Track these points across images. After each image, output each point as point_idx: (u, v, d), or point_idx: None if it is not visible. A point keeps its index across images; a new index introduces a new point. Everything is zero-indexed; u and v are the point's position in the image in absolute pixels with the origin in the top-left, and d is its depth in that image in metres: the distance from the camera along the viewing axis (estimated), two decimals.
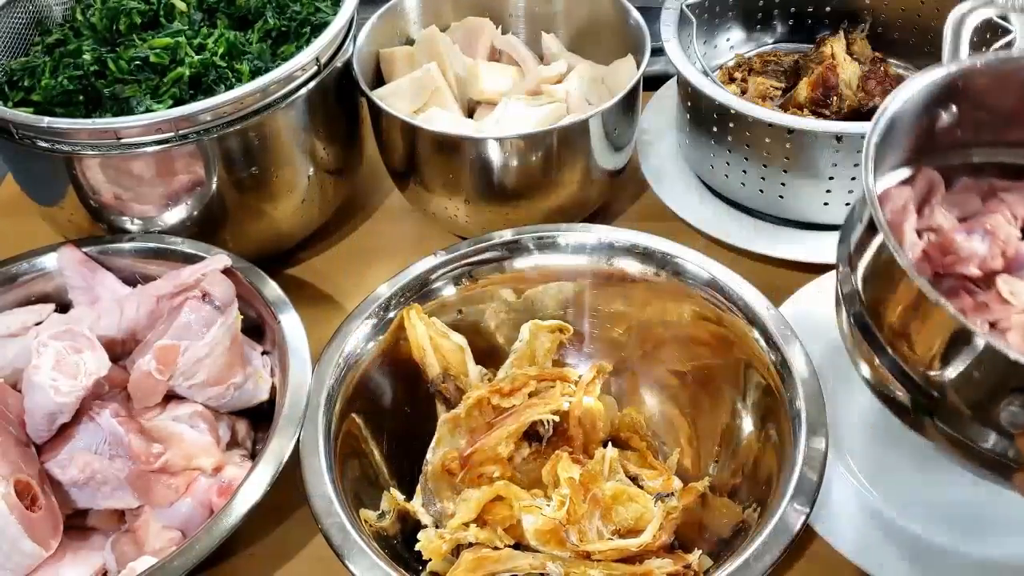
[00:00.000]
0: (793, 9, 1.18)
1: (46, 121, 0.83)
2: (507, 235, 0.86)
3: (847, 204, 0.95)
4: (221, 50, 0.92)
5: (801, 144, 0.92)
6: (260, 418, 0.84)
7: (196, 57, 0.91)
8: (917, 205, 0.71)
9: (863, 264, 0.66)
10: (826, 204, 0.96)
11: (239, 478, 0.75)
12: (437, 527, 0.74)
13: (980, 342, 0.56)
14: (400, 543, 0.74)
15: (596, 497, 0.71)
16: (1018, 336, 0.65)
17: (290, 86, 0.89)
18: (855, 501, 0.78)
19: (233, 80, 0.91)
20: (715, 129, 0.98)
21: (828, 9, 1.17)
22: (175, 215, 0.91)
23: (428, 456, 0.77)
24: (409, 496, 0.76)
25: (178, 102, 0.89)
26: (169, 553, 0.69)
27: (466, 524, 0.71)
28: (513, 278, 0.86)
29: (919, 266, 0.69)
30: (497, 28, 1.11)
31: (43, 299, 0.90)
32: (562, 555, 0.69)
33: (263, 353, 0.86)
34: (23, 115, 0.85)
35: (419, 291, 0.84)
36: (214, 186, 0.90)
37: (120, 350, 0.84)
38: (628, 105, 0.96)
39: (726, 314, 0.80)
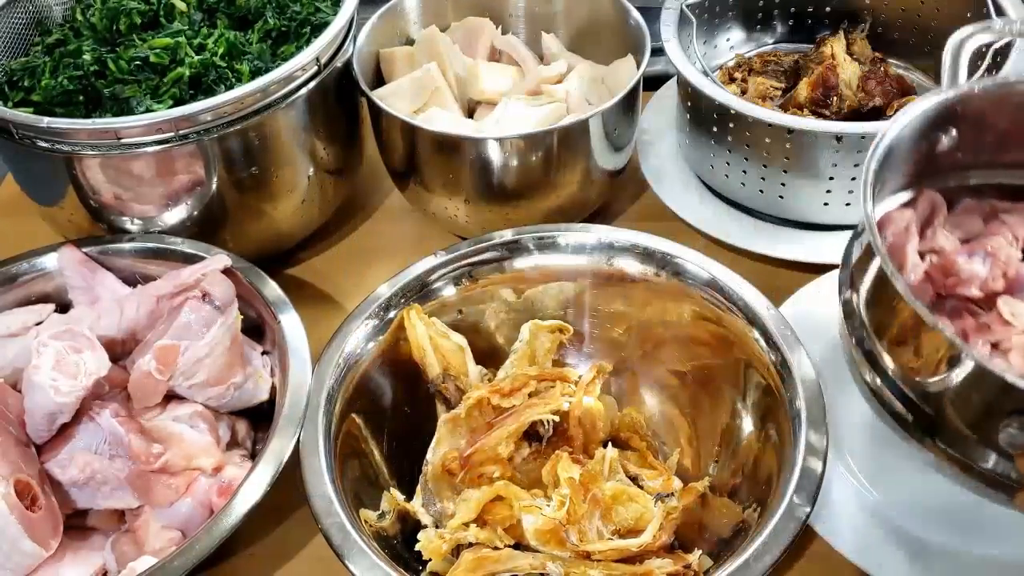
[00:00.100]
0: (793, 9, 1.18)
1: (46, 121, 0.83)
2: (507, 235, 0.86)
3: (847, 204, 0.95)
4: (221, 50, 0.92)
5: (801, 144, 0.92)
6: (260, 418, 0.84)
7: (196, 57, 0.91)
8: (920, 227, 0.72)
9: (864, 287, 0.67)
10: (826, 204, 0.96)
11: (239, 478, 0.75)
12: (437, 527, 0.74)
13: (977, 365, 0.57)
14: (400, 543, 0.74)
15: (596, 497, 0.71)
16: (1019, 356, 0.66)
17: (290, 86, 0.89)
18: (855, 501, 0.78)
19: (233, 80, 0.91)
20: (715, 129, 0.98)
21: (828, 9, 1.17)
22: (175, 215, 0.91)
23: (428, 456, 0.77)
24: (409, 496, 0.76)
25: (178, 102, 0.89)
26: (169, 553, 0.69)
27: (466, 524, 0.71)
28: (513, 278, 0.86)
29: (921, 287, 0.69)
30: (497, 28, 1.11)
31: (43, 299, 0.90)
32: (562, 555, 0.69)
33: (263, 353, 0.86)
34: (23, 115, 0.85)
35: (419, 291, 0.84)
36: (214, 186, 0.90)
37: (120, 350, 0.84)
38: (628, 105, 0.96)
39: (726, 314, 0.80)
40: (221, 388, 0.80)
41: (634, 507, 0.72)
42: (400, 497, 0.75)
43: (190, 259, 0.88)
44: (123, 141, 0.84)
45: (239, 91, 0.85)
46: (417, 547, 0.71)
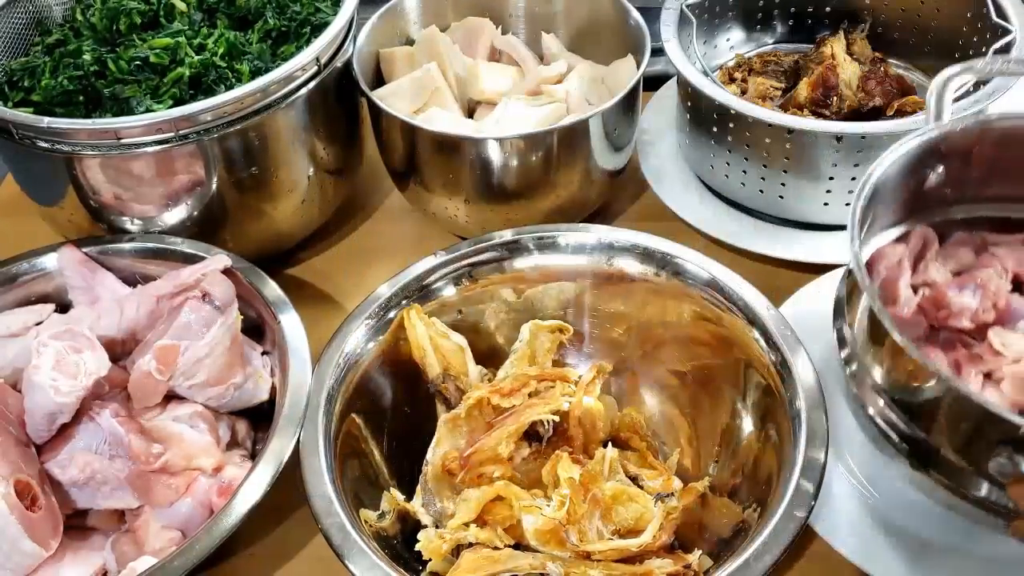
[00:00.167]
0: (793, 9, 1.18)
1: (46, 121, 0.83)
2: (507, 235, 0.86)
3: (847, 204, 0.95)
4: (221, 50, 0.92)
5: (801, 144, 0.92)
6: (260, 418, 0.84)
7: (196, 57, 0.91)
8: (913, 261, 0.74)
9: (856, 321, 0.69)
10: (826, 204, 0.96)
11: (239, 478, 0.75)
12: (437, 527, 0.74)
13: (964, 397, 0.58)
14: (400, 543, 0.74)
15: (596, 497, 0.71)
16: (1011, 386, 0.67)
17: (290, 86, 0.89)
18: (855, 501, 0.78)
19: (233, 80, 0.91)
20: (715, 129, 0.98)
21: (828, 9, 1.17)
22: (175, 215, 0.91)
23: (428, 456, 0.77)
24: (409, 496, 0.76)
25: (178, 102, 0.89)
26: (169, 553, 0.69)
27: (466, 524, 0.71)
28: (513, 278, 0.86)
29: (915, 320, 0.72)
30: (497, 28, 1.11)
31: (43, 299, 0.90)
32: (562, 555, 0.69)
33: (263, 353, 0.86)
34: (23, 115, 0.85)
35: (419, 291, 0.84)
36: (214, 186, 0.90)
37: (120, 350, 0.84)
38: (628, 105, 0.96)
39: (726, 314, 0.80)
40: (221, 388, 0.80)
41: (634, 507, 0.72)
42: (400, 497, 0.75)
43: (190, 259, 0.88)
44: (123, 141, 0.84)
45: (239, 91, 0.85)
46: (417, 547, 0.71)
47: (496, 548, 0.70)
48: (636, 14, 1.02)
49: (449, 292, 0.85)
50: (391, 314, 0.82)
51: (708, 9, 1.13)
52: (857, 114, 1.05)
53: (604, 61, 1.06)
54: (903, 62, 1.15)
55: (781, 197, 0.98)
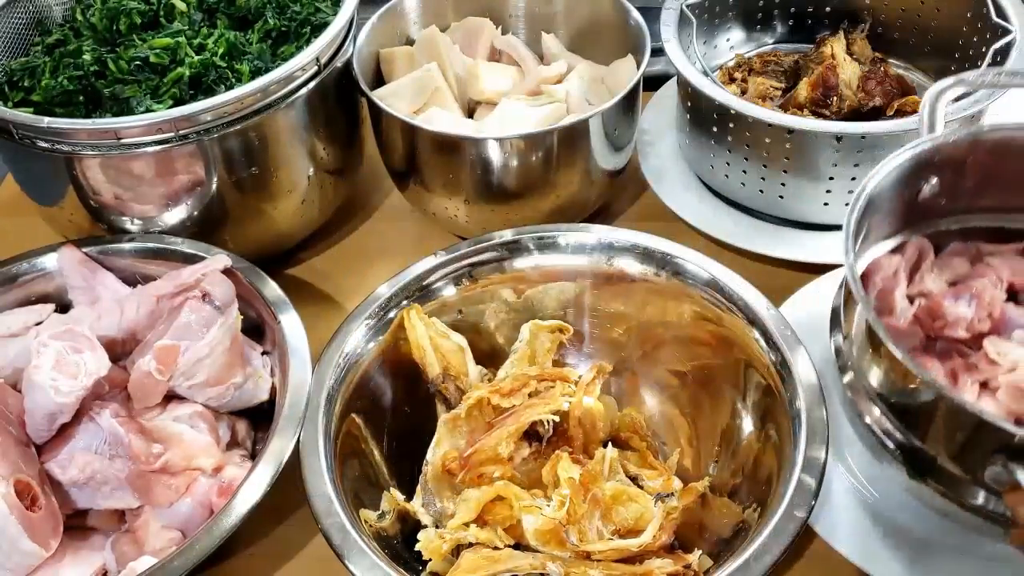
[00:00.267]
0: (793, 9, 1.18)
1: (46, 121, 0.83)
2: (507, 235, 0.86)
3: (847, 204, 0.95)
4: (221, 50, 0.92)
5: (801, 144, 0.92)
6: (260, 418, 0.85)
7: (196, 57, 0.91)
8: (909, 271, 0.75)
9: (854, 334, 0.70)
10: (826, 204, 0.96)
11: (239, 478, 0.75)
12: (437, 527, 0.74)
13: (959, 406, 0.59)
14: (400, 543, 0.74)
15: (596, 497, 0.71)
16: (1007, 395, 0.68)
17: (290, 86, 0.89)
18: (855, 501, 0.78)
19: (233, 80, 0.91)
20: (715, 129, 0.98)
21: (828, 9, 1.17)
22: (175, 215, 0.91)
23: (428, 456, 0.77)
24: (409, 496, 0.76)
25: (178, 102, 0.89)
26: (169, 553, 0.69)
27: (466, 524, 0.71)
28: (513, 278, 0.86)
29: (911, 330, 0.73)
30: (497, 28, 1.11)
31: (43, 299, 0.90)
32: (562, 555, 0.69)
33: (263, 353, 0.86)
34: (23, 115, 0.85)
35: (419, 291, 0.84)
36: (214, 186, 0.90)
37: (120, 350, 0.84)
38: (628, 105, 0.96)
39: (726, 314, 0.80)
40: (221, 388, 0.80)
41: (634, 507, 0.72)
42: (400, 497, 0.75)
43: (190, 259, 0.88)
44: (123, 141, 0.84)
45: (239, 91, 0.85)
46: (417, 547, 0.71)
47: (496, 548, 0.70)
48: (636, 14, 1.03)
49: (449, 292, 0.85)
50: (391, 314, 0.82)
51: (708, 9, 1.13)
52: (857, 114, 1.05)
53: (604, 61, 1.06)
54: (903, 62, 1.15)
55: (781, 197, 0.98)
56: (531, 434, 0.76)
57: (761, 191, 0.99)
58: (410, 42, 1.08)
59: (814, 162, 0.93)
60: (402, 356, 0.82)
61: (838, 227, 0.97)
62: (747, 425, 0.78)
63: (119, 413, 0.77)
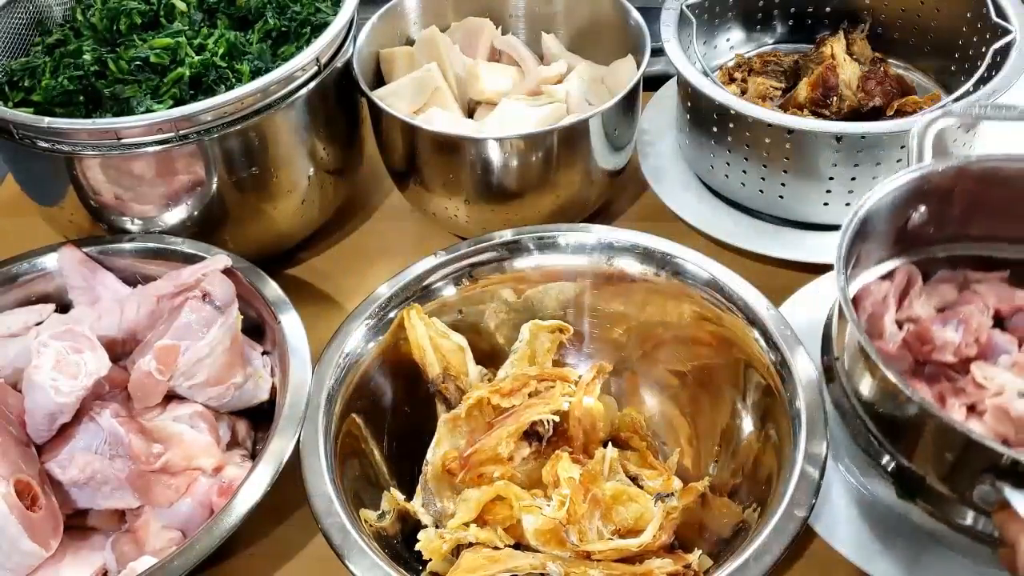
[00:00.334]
0: (793, 9, 1.18)
1: (46, 121, 0.83)
2: (507, 235, 0.86)
3: (847, 204, 0.95)
4: (221, 50, 0.92)
5: (801, 144, 0.92)
6: (260, 418, 0.85)
7: (196, 57, 0.91)
8: (898, 297, 0.78)
9: (845, 356, 0.71)
10: (826, 204, 0.96)
11: (239, 478, 0.75)
12: (437, 527, 0.74)
13: (948, 426, 0.61)
14: (400, 543, 0.74)
15: (596, 497, 0.71)
16: (993, 418, 0.69)
17: (290, 86, 0.89)
18: (855, 501, 0.78)
19: (233, 80, 0.91)
20: (715, 129, 0.98)
21: (828, 9, 1.17)
22: (175, 215, 0.91)
23: (428, 456, 0.77)
24: (409, 496, 0.76)
25: (178, 102, 0.89)
26: (169, 553, 0.69)
27: (466, 524, 0.71)
28: (513, 278, 0.86)
29: (900, 354, 0.74)
30: (497, 28, 1.11)
31: (43, 299, 0.90)
32: (562, 555, 0.70)
33: (263, 353, 0.86)
34: (23, 115, 0.85)
35: (419, 291, 0.84)
36: (214, 186, 0.90)
37: (120, 350, 0.84)
38: (628, 105, 0.96)
39: (726, 314, 0.80)
40: (221, 388, 0.80)
41: (634, 507, 0.72)
42: (400, 497, 0.75)
43: (190, 259, 0.88)
44: (123, 141, 0.84)
45: (239, 91, 0.85)
46: (417, 547, 0.71)
47: (496, 548, 0.70)
48: (636, 14, 1.03)
49: (449, 292, 0.85)
50: (391, 314, 0.82)
51: (708, 9, 1.13)
52: (857, 114, 1.05)
53: (604, 61, 1.06)
54: (903, 62, 1.15)
55: (781, 197, 0.98)
56: (531, 434, 0.76)
57: (761, 191, 0.99)
58: (410, 42, 1.08)
59: (814, 162, 0.93)
60: (402, 356, 0.82)
61: (838, 227, 0.97)
62: (747, 425, 0.78)
63: (119, 413, 0.77)
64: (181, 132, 0.84)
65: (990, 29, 0.99)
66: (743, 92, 1.11)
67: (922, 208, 0.76)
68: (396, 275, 0.84)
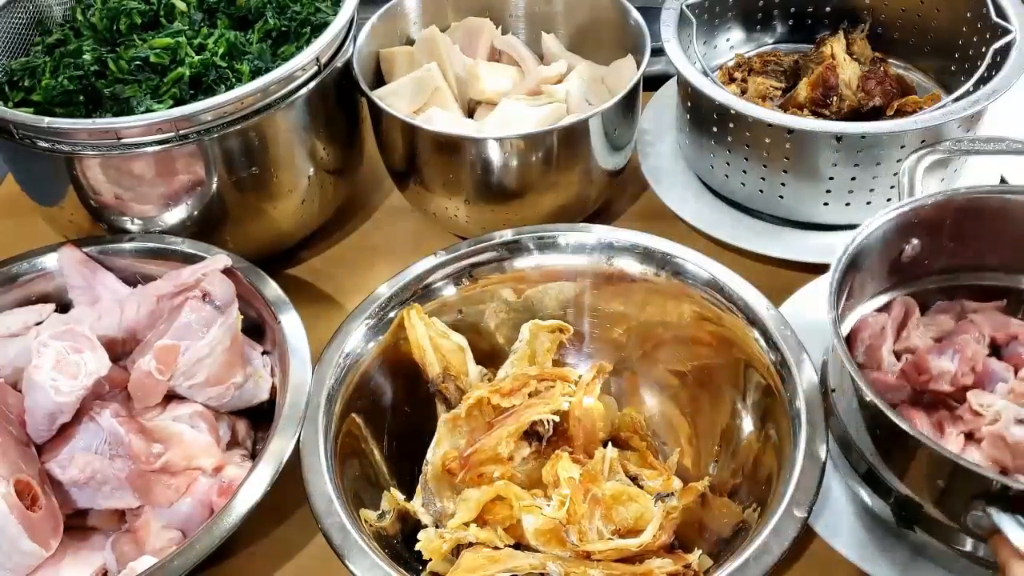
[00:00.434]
0: (793, 9, 1.18)
1: (46, 121, 0.83)
2: (507, 235, 0.86)
3: (847, 204, 0.96)
4: (221, 50, 0.92)
5: (801, 144, 0.92)
6: (260, 418, 0.85)
7: (196, 57, 0.91)
8: (896, 328, 0.80)
9: (840, 388, 0.73)
10: (826, 204, 0.96)
11: (239, 478, 0.75)
12: (437, 527, 0.74)
13: (935, 453, 0.63)
14: (400, 543, 0.74)
15: (596, 497, 0.71)
16: (990, 445, 0.70)
17: (290, 86, 0.89)
18: (855, 501, 0.78)
19: (233, 80, 0.91)
20: (715, 129, 0.98)
21: (828, 9, 1.17)
22: (175, 215, 0.91)
23: (428, 456, 0.77)
24: (409, 496, 0.76)
25: (178, 102, 0.89)
26: (169, 553, 0.69)
27: (466, 524, 0.71)
28: (513, 278, 0.86)
29: (898, 384, 0.76)
30: (497, 28, 1.11)
31: (43, 299, 0.90)
32: (562, 555, 0.70)
33: (263, 353, 0.86)
34: (23, 115, 0.85)
35: (419, 291, 0.84)
36: (214, 186, 0.90)
37: (120, 350, 0.84)
38: (628, 105, 0.96)
39: (726, 314, 0.80)
40: (221, 388, 0.80)
41: (634, 507, 0.72)
42: (400, 497, 0.75)
43: (190, 259, 0.88)
44: (123, 141, 0.84)
45: (239, 91, 0.85)
46: (417, 547, 0.71)
47: (496, 548, 0.70)
48: (636, 14, 1.03)
49: (449, 292, 0.85)
50: (391, 314, 0.82)
51: (708, 9, 1.13)
52: (857, 114, 1.05)
53: (604, 61, 1.06)
54: (903, 62, 1.15)
55: (781, 197, 0.98)
56: (531, 434, 0.76)
57: (761, 191, 0.99)
58: (410, 42, 1.08)
59: (814, 162, 0.93)
60: (402, 356, 0.82)
61: (838, 227, 0.98)
62: (747, 425, 0.78)
63: (119, 413, 0.77)
64: (181, 132, 0.84)
65: (990, 29, 0.99)
66: (743, 92, 1.11)
67: (915, 241, 0.78)
68: (396, 275, 0.84)
